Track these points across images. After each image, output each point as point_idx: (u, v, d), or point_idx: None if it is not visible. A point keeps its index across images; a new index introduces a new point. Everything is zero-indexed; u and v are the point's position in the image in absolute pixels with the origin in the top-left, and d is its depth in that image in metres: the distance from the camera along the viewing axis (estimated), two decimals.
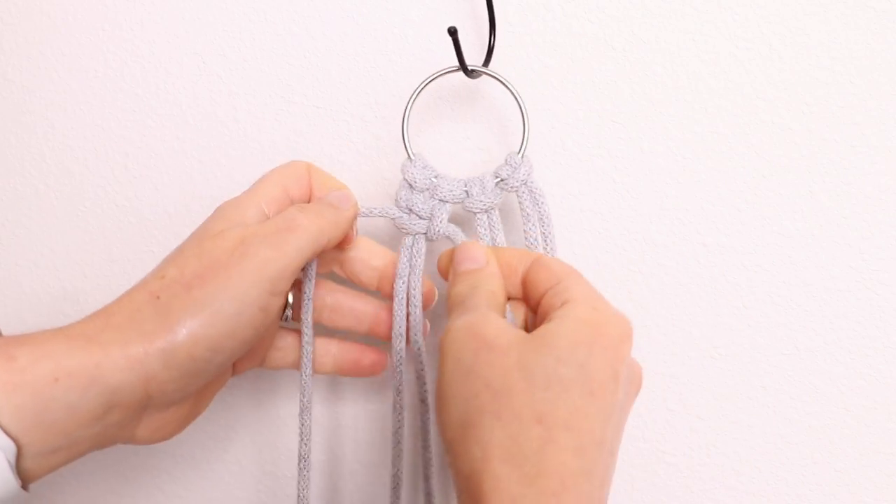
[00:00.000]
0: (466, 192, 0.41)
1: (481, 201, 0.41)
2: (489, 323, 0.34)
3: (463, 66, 0.41)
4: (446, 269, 0.40)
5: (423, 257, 0.42)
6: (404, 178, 0.42)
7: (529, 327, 0.37)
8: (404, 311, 0.41)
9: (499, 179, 0.41)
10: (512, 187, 0.41)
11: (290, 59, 0.46)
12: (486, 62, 0.42)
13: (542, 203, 0.41)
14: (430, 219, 0.41)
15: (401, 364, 0.42)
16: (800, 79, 0.41)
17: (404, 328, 0.41)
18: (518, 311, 0.38)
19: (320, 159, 0.46)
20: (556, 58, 0.43)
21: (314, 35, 0.46)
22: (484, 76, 0.42)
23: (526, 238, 0.41)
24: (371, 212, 0.42)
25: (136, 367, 0.34)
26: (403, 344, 0.42)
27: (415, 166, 0.42)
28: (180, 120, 0.47)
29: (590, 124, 0.43)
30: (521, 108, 0.41)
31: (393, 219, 0.42)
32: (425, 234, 0.42)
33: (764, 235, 0.43)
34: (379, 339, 0.43)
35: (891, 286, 0.42)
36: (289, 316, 0.42)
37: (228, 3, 0.46)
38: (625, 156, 0.43)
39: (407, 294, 0.41)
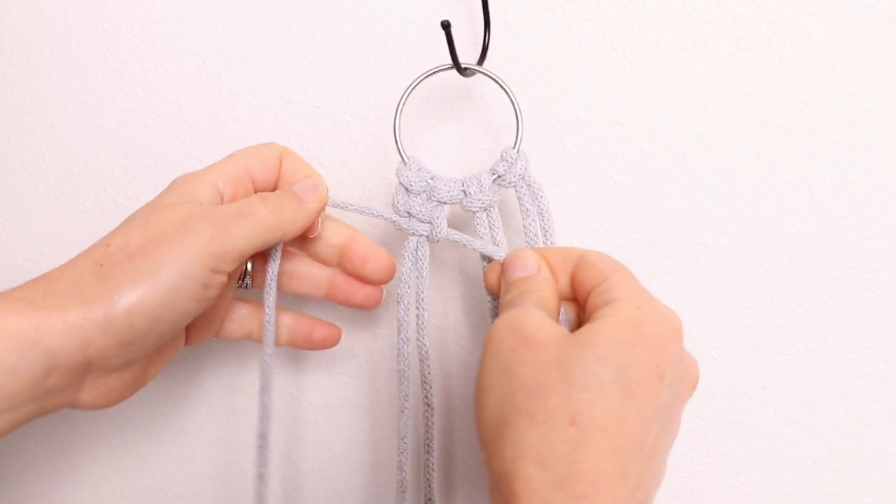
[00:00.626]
0: (464, 191, 0.41)
1: (480, 200, 0.41)
2: (530, 316, 0.34)
3: (456, 63, 0.40)
4: (496, 282, 0.39)
5: (427, 260, 0.41)
6: (400, 182, 0.41)
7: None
8: (411, 315, 0.41)
9: (496, 176, 0.41)
10: (510, 182, 0.41)
11: (290, 59, 0.46)
12: (481, 61, 0.42)
13: (542, 197, 0.41)
14: (432, 222, 0.41)
15: (408, 368, 0.42)
16: (800, 79, 0.41)
17: (411, 331, 0.41)
18: (572, 313, 0.37)
19: (320, 159, 0.46)
20: (556, 58, 0.43)
21: (314, 35, 0.46)
22: (478, 75, 0.42)
23: (526, 234, 0.41)
24: (365, 211, 0.42)
25: (75, 333, 0.34)
26: (409, 348, 0.42)
27: (409, 169, 0.41)
28: (180, 120, 0.47)
29: (590, 124, 0.43)
30: (513, 104, 0.41)
31: (393, 222, 0.42)
32: (427, 236, 0.41)
33: (764, 235, 0.43)
34: (336, 304, 0.43)
35: (891, 286, 0.42)
36: (248, 284, 0.42)
37: (228, 3, 0.46)
38: (625, 156, 0.43)
39: (416, 299, 0.41)
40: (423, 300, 0.41)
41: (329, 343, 0.44)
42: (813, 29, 0.41)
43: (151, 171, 0.48)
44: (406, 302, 0.41)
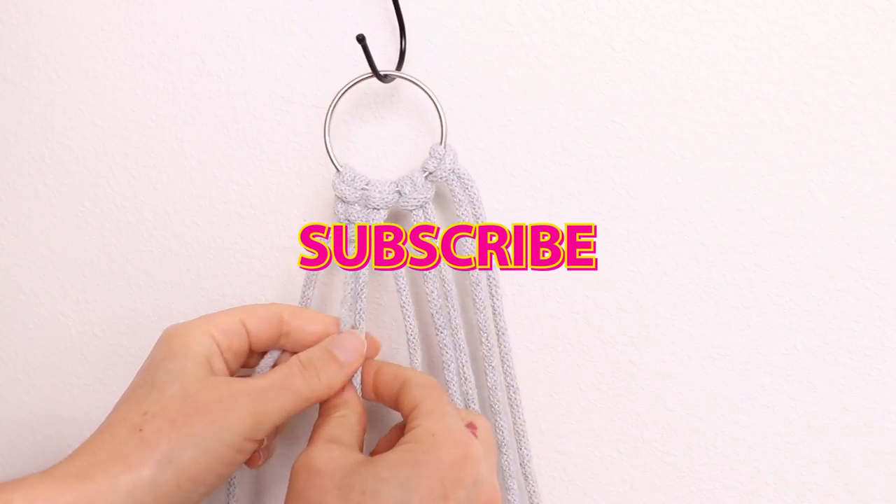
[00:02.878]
0: (399, 192, 0.42)
1: (415, 198, 0.42)
2: (322, 453, 0.37)
3: (374, 71, 0.42)
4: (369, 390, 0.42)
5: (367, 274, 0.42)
6: (336, 195, 0.42)
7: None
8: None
9: (427, 173, 0.42)
10: (441, 177, 0.42)
11: (290, 59, 0.46)
12: (399, 66, 0.43)
13: (472, 187, 0.42)
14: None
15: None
16: (799, 79, 0.41)
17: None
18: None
19: (320, 159, 0.46)
20: (556, 58, 0.43)
21: (314, 35, 0.45)
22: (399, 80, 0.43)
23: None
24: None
25: (126, 497, 0.35)
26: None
27: (343, 181, 0.42)
28: (180, 120, 0.47)
29: (590, 124, 0.43)
30: (434, 102, 0.42)
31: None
32: None
33: (763, 235, 0.43)
34: None
35: (890, 286, 0.42)
36: None
37: (228, 3, 0.46)
38: (625, 156, 0.43)
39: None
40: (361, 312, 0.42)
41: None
42: (812, 29, 0.41)
43: (150, 171, 0.48)
44: (345, 325, 0.42)
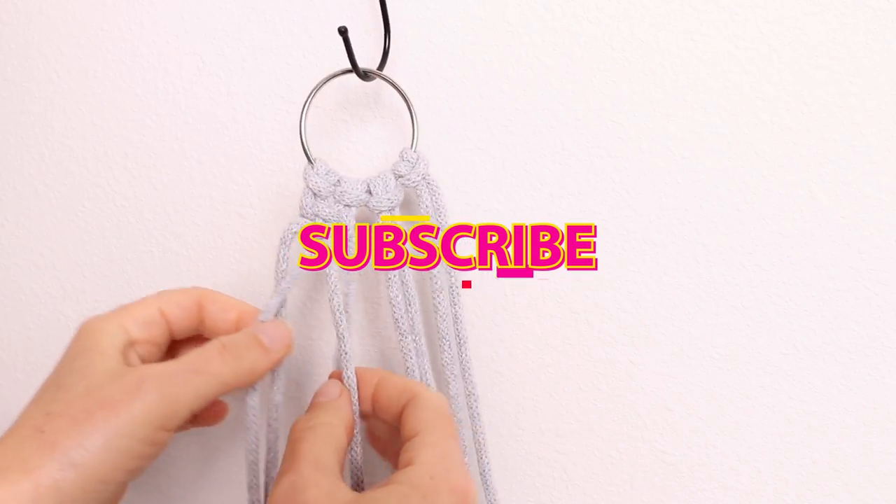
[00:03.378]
0: (369, 191, 0.42)
1: (387, 199, 0.42)
2: (310, 486, 0.34)
3: (355, 68, 0.41)
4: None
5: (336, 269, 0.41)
6: (307, 186, 0.41)
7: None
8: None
9: (399, 176, 0.42)
10: (413, 182, 0.42)
11: (290, 59, 0.46)
12: (381, 66, 0.43)
13: (439, 195, 0.42)
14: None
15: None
16: (799, 79, 0.41)
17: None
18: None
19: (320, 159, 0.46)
20: (556, 58, 0.43)
21: (313, 35, 0.45)
22: (381, 80, 0.43)
23: None
24: (280, 297, 0.41)
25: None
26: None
27: (317, 173, 0.42)
28: (180, 120, 0.47)
29: (589, 124, 0.43)
30: (408, 106, 0.42)
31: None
32: None
33: (763, 235, 0.43)
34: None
35: (890, 286, 0.42)
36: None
37: (228, 3, 0.46)
38: (624, 156, 0.43)
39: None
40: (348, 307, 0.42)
41: (218, 419, 0.43)
42: (812, 29, 0.41)
43: (150, 171, 0.48)
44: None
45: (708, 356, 0.44)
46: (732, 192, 0.43)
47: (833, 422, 0.44)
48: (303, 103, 0.42)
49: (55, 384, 0.37)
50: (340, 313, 0.41)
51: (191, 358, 0.37)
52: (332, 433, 0.37)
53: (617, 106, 0.43)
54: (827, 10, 0.41)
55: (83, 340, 0.38)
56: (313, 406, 0.39)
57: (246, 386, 0.39)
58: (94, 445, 0.34)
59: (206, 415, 0.43)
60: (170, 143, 0.48)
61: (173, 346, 0.42)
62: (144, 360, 0.39)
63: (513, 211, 0.44)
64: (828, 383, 0.43)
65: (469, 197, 0.45)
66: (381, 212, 0.42)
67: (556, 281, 0.45)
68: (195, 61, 0.47)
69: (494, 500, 0.45)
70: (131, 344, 0.39)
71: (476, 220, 0.45)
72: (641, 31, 0.42)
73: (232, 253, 0.48)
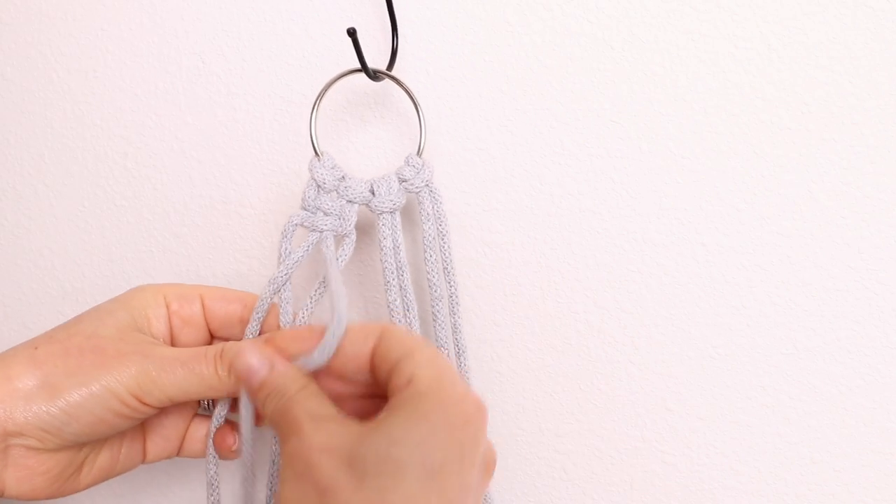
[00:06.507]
0: (372, 191, 0.42)
1: (391, 200, 0.42)
2: (317, 433, 0.32)
3: (365, 68, 0.41)
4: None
5: (334, 254, 0.41)
6: (312, 178, 0.41)
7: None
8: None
9: (403, 180, 0.42)
10: (416, 188, 0.42)
11: (290, 58, 0.46)
12: (390, 66, 0.42)
13: (440, 203, 0.42)
14: (340, 216, 0.41)
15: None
16: (799, 79, 0.41)
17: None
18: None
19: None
20: (555, 58, 0.43)
21: (313, 35, 0.46)
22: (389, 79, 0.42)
23: (424, 237, 0.42)
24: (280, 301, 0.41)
25: None
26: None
27: (323, 166, 0.42)
28: (180, 120, 0.47)
29: (590, 124, 0.43)
30: (417, 111, 0.42)
31: (302, 224, 0.41)
32: (334, 231, 0.41)
33: (763, 235, 0.43)
34: None
35: (890, 286, 0.42)
36: (209, 404, 0.43)
37: (228, 3, 0.46)
38: (624, 156, 0.43)
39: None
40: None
41: (231, 455, 0.42)
42: (811, 29, 0.41)
43: (150, 171, 0.48)
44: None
45: (708, 356, 0.44)
46: (732, 192, 0.43)
47: (833, 422, 0.44)
48: (314, 98, 0.42)
49: (78, 318, 0.39)
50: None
51: (187, 352, 0.38)
52: (313, 392, 0.34)
53: (617, 106, 0.43)
54: (827, 10, 0.41)
55: (124, 296, 0.40)
56: (263, 388, 0.36)
57: (236, 395, 0.38)
58: (72, 378, 0.36)
59: (219, 449, 0.42)
60: (170, 143, 0.48)
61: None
62: (167, 331, 0.40)
63: (513, 211, 0.44)
64: (828, 383, 0.43)
65: (469, 197, 0.45)
66: (382, 213, 0.42)
67: (557, 281, 0.45)
68: (195, 61, 0.47)
69: (489, 499, 0.45)
70: (160, 313, 0.40)
71: (476, 221, 0.45)
72: (641, 31, 0.42)
73: (232, 253, 0.48)
